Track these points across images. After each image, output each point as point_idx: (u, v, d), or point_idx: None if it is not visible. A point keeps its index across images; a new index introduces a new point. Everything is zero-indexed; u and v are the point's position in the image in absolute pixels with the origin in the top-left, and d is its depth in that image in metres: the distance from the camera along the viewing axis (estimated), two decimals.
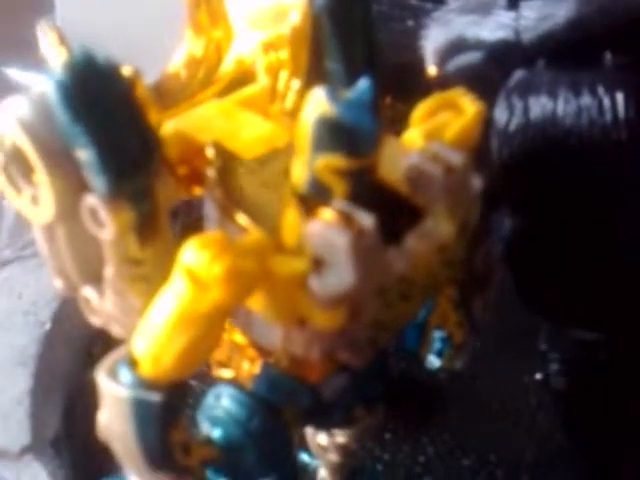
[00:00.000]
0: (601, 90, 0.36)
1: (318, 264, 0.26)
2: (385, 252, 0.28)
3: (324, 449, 0.45)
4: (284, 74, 0.35)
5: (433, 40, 0.43)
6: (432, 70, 0.43)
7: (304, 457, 0.47)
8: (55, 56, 0.30)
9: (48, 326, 0.61)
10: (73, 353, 0.60)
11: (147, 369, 0.27)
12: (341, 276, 0.26)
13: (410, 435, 0.54)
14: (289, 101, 0.34)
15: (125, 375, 0.27)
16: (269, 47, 0.35)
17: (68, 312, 0.61)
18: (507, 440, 0.53)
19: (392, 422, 0.54)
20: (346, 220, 0.26)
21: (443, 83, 0.38)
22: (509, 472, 0.52)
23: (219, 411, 0.34)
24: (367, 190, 0.28)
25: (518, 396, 0.54)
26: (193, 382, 0.48)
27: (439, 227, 0.29)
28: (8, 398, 0.55)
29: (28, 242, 0.67)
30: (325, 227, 0.26)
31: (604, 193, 0.38)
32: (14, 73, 0.83)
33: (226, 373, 0.35)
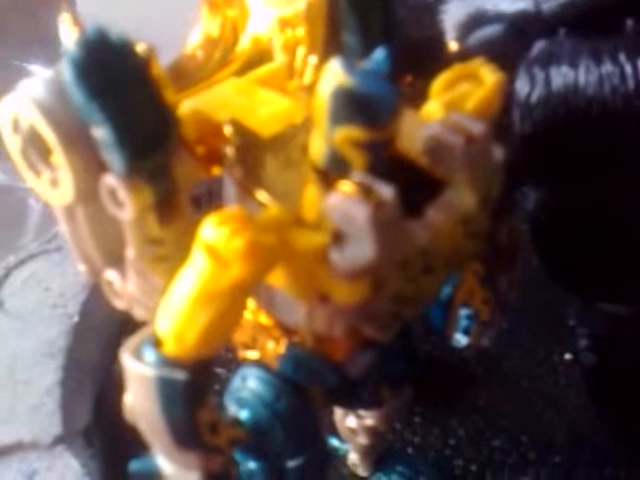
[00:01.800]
0: (622, 57, 0.36)
1: (338, 237, 0.26)
2: (406, 224, 0.27)
3: (353, 432, 0.44)
4: (301, 51, 0.34)
5: (453, 14, 0.43)
6: (453, 45, 0.43)
7: (334, 442, 0.47)
8: (69, 36, 0.30)
9: (76, 318, 0.61)
10: (101, 344, 0.61)
11: (171, 348, 0.27)
12: (361, 249, 0.25)
13: (440, 417, 0.54)
14: (307, 77, 0.34)
15: (149, 354, 0.27)
16: (285, 24, 0.34)
17: (96, 304, 0.61)
18: (538, 420, 0.53)
19: (422, 405, 0.54)
20: (365, 192, 0.25)
21: (464, 58, 0.37)
22: (541, 452, 0.51)
23: (246, 393, 0.34)
24: (387, 163, 0.27)
25: (548, 375, 0.54)
26: (220, 370, 0.48)
27: (461, 198, 0.28)
28: (38, 390, 0.55)
29: (53, 235, 0.67)
30: (344, 200, 0.25)
31: (629, 162, 0.37)
32: (37, 69, 0.83)
33: (252, 354, 0.35)
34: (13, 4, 0.92)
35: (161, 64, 0.32)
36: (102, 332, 0.62)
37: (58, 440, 0.52)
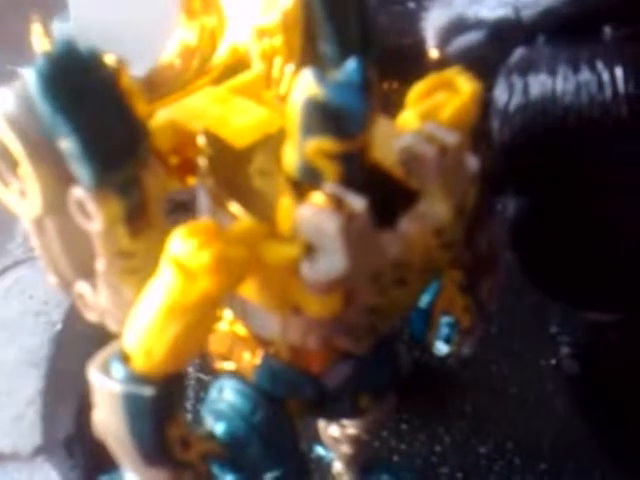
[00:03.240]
0: (600, 65, 0.36)
1: (309, 249, 0.25)
2: (378, 236, 0.27)
3: (336, 441, 0.44)
4: (278, 60, 0.34)
5: (434, 21, 0.43)
6: (434, 53, 0.43)
7: (319, 450, 0.47)
8: (39, 46, 0.29)
9: (59, 327, 0.61)
10: (85, 353, 0.60)
11: (139, 363, 0.26)
12: (332, 261, 0.25)
13: (426, 425, 0.54)
14: (284, 86, 0.34)
15: (117, 370, 0.27)
16: (262, 33, 0.34)
17: (79, 312, 0.61)
18: (524, 427, 0.52)
19: (407, 412, 0.54)
20: (336, 204, 0.25)
21: (445, 64, 0.37)
22: (527, 459, 0.51)
23: (222, 405, 0.34)
24: (360, 174, 0.27)
25: (534, 381, 0.54)
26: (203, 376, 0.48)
27: (434, 209, 0.28)
28: (19, 399, 0.55)
29: None
30: (315, 211, 0.25)
31: (606, 169, 0.37)
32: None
33: (228, 366, 0.34)
34: (8, 8, 0.92)
35: (135, 74, 0.32)
36: (86, 340, 0.61)
37: (38, 451, 0.52)
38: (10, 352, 0.59)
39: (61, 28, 0.74)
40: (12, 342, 0.60)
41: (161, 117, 0.32)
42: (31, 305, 0.63)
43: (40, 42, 0.29)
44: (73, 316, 0.62)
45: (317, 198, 0.25)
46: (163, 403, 0.27)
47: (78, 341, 0.61)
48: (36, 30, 0.30)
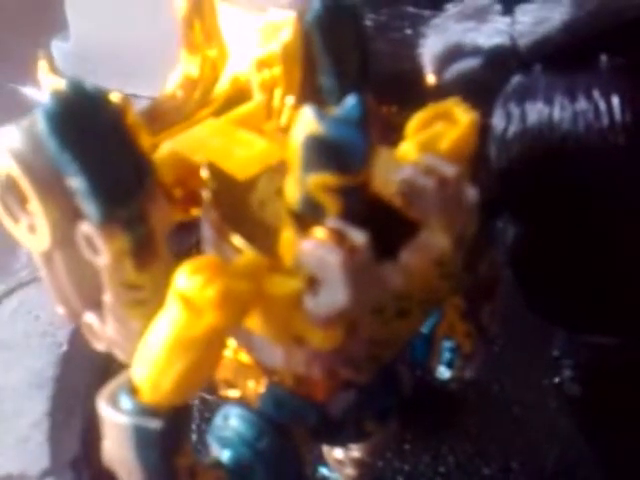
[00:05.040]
0: (597, 94, 0.36)
1: (312, 283, 0.26)
2: (380, 268, 0.27)
3: (341, 463, 0.44)
4: (279, 91, 0.35)
5: (431, 47, 0.43)
6: (431, 79, 0.43)
7: (324, 471, 0.47)
8: (46, 84, 0.30)
9: (65, 347, 0.61)
10: (91, 374, 0.60)
11: (147, 395, 0.27)
12: (335, 294, 0.25)
13: (430, 445, 0.54)
14: (284, 117, 0.34)
15: (125, 402, 0.27)
16: (263, 65, 0.35)
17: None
18: (528, 447, 0.52)
19: (411, 433, 0.54)
20: (338, 238, 0.26)
21: (442, 91, 0.37)
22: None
23: (228, 432, 0.34)
24: (361, 206, 0.28)
25: (538, 402, 0.54)
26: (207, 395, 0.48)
27: (435, 240, 0.29)
28: (26, 421, 0.55)
29: None
30: (317, 246, 0.26)
31: (603, 197, 0.37)
32: (30, 91, 0.83)
33: (233, 393, 0.35)
34: (9, 27, 0.93)
35: (138, 108, 0.32)
36: (92, 361, 0.62)
37: (46, 473, 0.52)
38: (16, 373, 0.59)
39: (61, 47, 0.74)
40: (18, 363, 0.60)
41: (164, 149, 0.33)
42: (37, 326, 0.64)
43: (49, 80, 0.30)
44: (79, 337, 0.62)
45: (319, 232, 0.26)
46: (170, 435, 0.27)
47: (84, 362, 0.61)
48: (42, 67, 0.30)
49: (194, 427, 0.51)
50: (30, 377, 0.59)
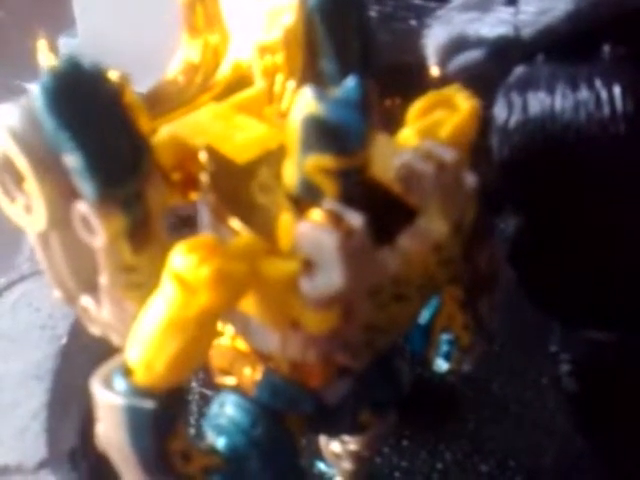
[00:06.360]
0: (598, 83, 0.36)
1: (308, 266, 0.26)
2: (377, 252, 0.27)
3: (338, 457, 0.44)
4: (280, 76, 0.34)
5: (435, 38, 0.43)
6: (435, 70, 0.43)
7: (320, 466, 0.47)
8: (44, 62, 0.30)
9: (65, 340, 0.61)
10: (90, 367, 0.60)
11: (141, 376, 0.26)
12: (331, 277, 0.25)
13: (427, 441, 0.54)
14: (285, 103, 0.34)
15: (119, 383, 0.27)
16: (265, 50, 0.34)
17: (84, 326, 0.61)
18: (526, 444, 0.52)
19: (408, 429, 0.54)
20: (335, 220, 0.25)
21: (446, 82, 0.37)
22: (528, 477, 0.51)
23: (223, 419, 0.34)
24: (359, 189, 0.27)
25: (536, 399, 0.53)
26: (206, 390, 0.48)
27: (432, 226, 0.28)
28: (24, 412, 0.55)
29: None
30: (314, 228, 0.25)
31: (605, 187, 0.37)
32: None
33: (229, 380, 0.35)
34: (15, 24, 0.93)
35: (138, 90, 0.32)
36: (91, 353, 0.61)
37: (43, 464, 0.52)
38: (15, 365, 0.59)
39: (68, 44, 0.75)
40: (17, 355, 0.60)
41: (164, 133, 0.32)
42: (37, 318, 0.63)
43: (45, 58, 0.30)
44: (78, 329, 0.62)
45: (316, 214, 0.26)
46: (164, 416, 0.27)
47: (83, 354, 0.61)
48: (41, 46, 0.30)
49: (193, 421, 0.51)
50: (29, 368, 0.59)
